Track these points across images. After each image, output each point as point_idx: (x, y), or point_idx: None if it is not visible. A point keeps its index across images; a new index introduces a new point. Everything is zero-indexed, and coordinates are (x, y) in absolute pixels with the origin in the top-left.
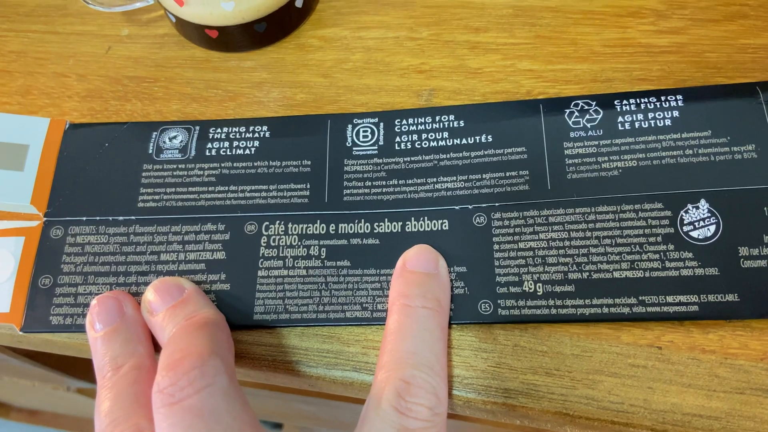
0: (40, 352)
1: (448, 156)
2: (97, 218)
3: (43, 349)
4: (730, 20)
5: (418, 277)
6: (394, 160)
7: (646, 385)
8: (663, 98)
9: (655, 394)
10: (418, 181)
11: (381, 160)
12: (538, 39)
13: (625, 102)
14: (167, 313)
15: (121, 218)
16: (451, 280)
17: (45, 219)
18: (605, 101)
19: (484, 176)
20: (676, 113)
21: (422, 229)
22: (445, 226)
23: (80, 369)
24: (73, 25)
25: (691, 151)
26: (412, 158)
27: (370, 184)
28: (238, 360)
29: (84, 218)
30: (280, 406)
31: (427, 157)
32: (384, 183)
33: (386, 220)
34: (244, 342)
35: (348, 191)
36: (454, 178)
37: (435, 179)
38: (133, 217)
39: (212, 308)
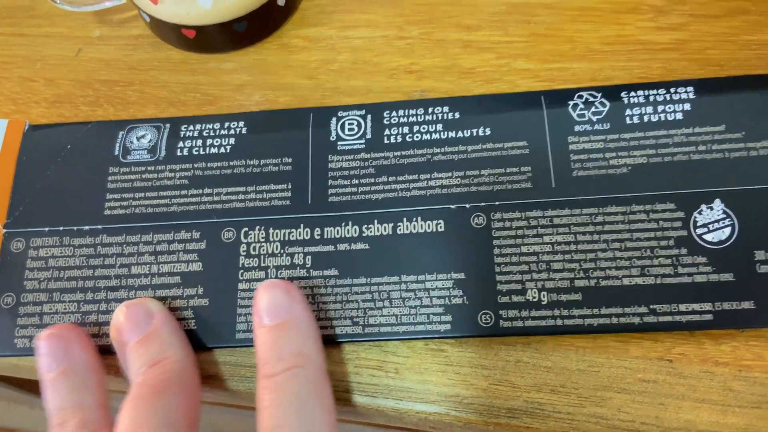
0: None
1: (443, 150)
2: (61, 228)
3: (10, 374)
4: (731, 16)
5: (270, 335)
6: (383, 154)
7: (657, 401)
8: (673, 90)
9: (668, 411)
10: (410, 177)
11: (369, 155)
12: (534, 37)
13: (632, 94)
14: (134, 349)
15: (86, 228)
16: (429, 290)
17: (4, 231)
18: (611, 93)
19: (482, 172)
20: (687, 106)
21: (415, 231)
22: (441, 227)
23: None
24: (41, 27)
25: (704, 147)
26: (403, 153)
27: (357, 182)
28: (221, 382)
29: (47, 229)
30: None
31: (420, 152)
32: (373, 180)
33: (376, 221)
34: (228, 363)
35: (333, 190)
36: (450, 174)
37: (428, 175)
38: (99, 226)
39: (179, 347)
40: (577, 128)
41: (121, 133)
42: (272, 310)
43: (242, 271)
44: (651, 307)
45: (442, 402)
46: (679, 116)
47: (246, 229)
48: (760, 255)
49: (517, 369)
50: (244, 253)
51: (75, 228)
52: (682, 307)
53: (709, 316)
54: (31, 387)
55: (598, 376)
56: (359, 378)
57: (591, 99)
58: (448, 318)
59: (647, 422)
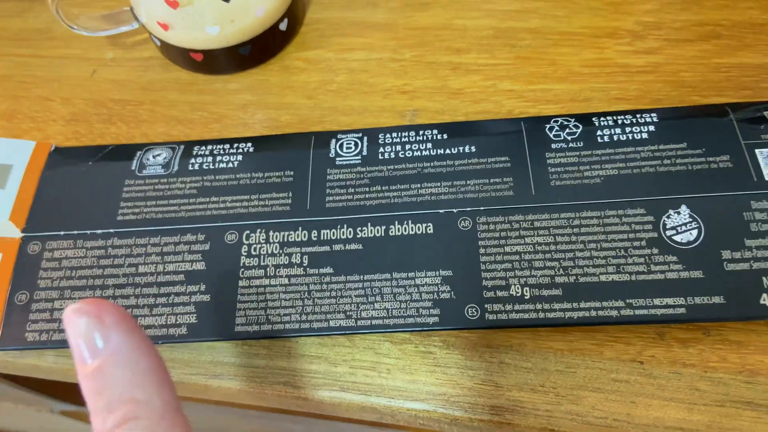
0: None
1: (432, 164)
2: (75, 232)
3: (29, 374)
4: (704, 40)
5: (90, 380)
6: (377, 168)
7: (628, 399)
8: (638, 116)
9: (638, 409)
10: (402, 186)
11: (364, 169)
12: (519, 60)
13: (602, 118)
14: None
15: (99, 231)
16: (419, 286)
17: (23, 235)
18: (583, 118)
19: (468, 182)
20: (651, 128)
21: (406, 233)
22: (430, 230)
23: (62, 391)
24: (58, 49)
25: (669, 161)
26: (396, 166)
27: (353, 190)
28: (224, 383)
29: (62, 232)
30: (267, 426)
31: (411, 165)
32: (367, 189)
33: (369, 224)
34: (229, 364)
35: (330, 198)
36: (438, 183)
37: (419, 185)
38: (111, 230)
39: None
40: (553, 146)
41: (139, 152)
42: (85, 347)
43: (243, 269)
44: (627, 301)
45: (431, 400)
46: (645, 135)
47: (248, 231)
48: (726, 254)
49: (500, 370)
50: (245, 254)
51: (88, 232)
52: (657, 302)
53: (682, 310)
54: (41, 388)
55: (574, 377)
56: (354, 378)
57: (565, 123)
58: (437, 311)
59: (619, 419)
